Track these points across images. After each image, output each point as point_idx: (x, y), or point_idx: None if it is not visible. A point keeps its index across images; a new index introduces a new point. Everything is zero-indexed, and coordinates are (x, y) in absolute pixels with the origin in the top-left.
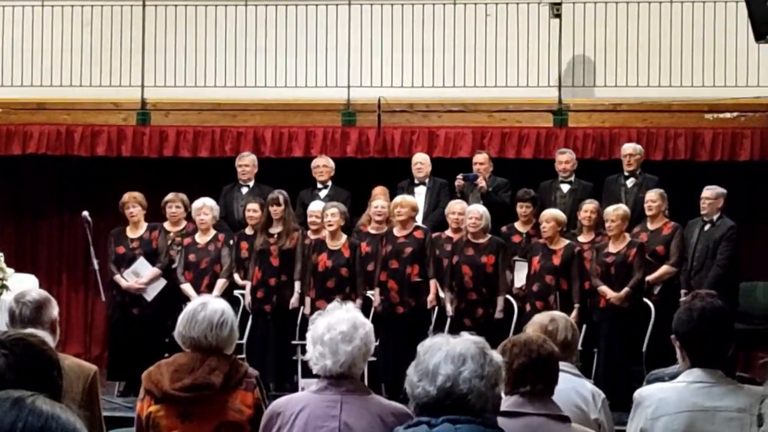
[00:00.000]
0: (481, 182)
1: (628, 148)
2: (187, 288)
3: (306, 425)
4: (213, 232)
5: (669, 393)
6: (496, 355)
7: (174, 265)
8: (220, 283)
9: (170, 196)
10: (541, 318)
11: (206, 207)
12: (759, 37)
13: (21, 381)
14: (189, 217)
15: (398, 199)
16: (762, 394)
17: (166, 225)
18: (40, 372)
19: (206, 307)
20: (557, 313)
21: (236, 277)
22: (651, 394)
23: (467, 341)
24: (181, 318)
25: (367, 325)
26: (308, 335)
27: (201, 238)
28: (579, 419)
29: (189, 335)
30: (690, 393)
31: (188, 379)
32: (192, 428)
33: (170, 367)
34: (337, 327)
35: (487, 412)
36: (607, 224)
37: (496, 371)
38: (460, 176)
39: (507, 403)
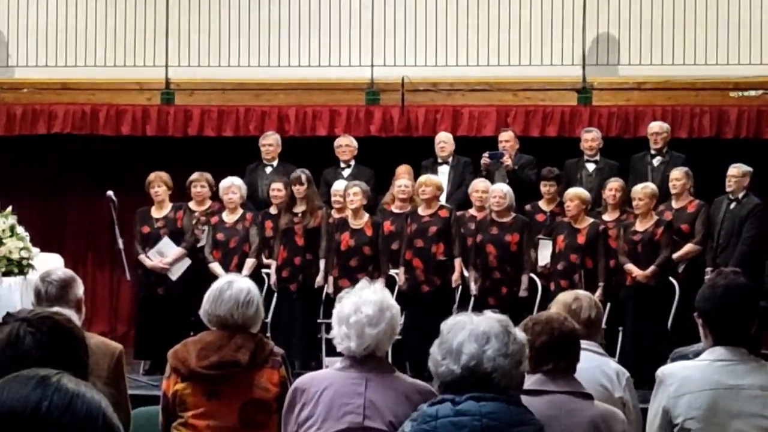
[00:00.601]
0: (507, 160)
1: (655, 126)
2: (215, 267)
3: (332, 402)
4: (241, 211)
5: (692, 371)
6: (519, 333)
7: (200, 245)
8: (249, 262)
9: (195, 175)
10: (565, 297)
11: (234, 186)
12: None
13: (47, 359)
14: (214, 197)
15: (423, 178)
16: None
17: (191, 204)
18: (67, 350)
19: (232, 286)
20: (581, 292)
21: (261, 256)
22: (674, 372)
23: (491, 320)
24: (207, 296)
25: (394, 307)
26: (334, 313)
27: (229, 217)
28: (603, 398)
29: (215, 313)
30: (713, 371)
31: (215, 357)
32: (218, 406)
33: (197, 345)
34: (364, 310)
35: (511, 390)
36: (634, 202)
37: (520, 349)
38: (486, 154)
39: (529, 381)
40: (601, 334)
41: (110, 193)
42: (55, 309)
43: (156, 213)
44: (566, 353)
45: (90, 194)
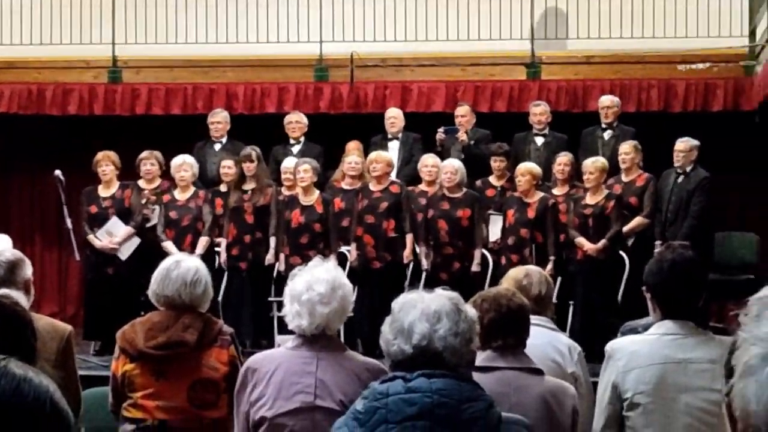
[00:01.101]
0: (462, 135)
1: (606, 100)
2: (168, 246)
3: (282, 382)
4: (192, 189)
5: (640, 345)
6: (470, 311)
7: (149, 224)
8: (203, 240)
9: (145, 153)
10: (515, 273)
11: (186, 164)
12: None
13: None
14: (163, 175)
15: (373, 154)
16: (731, 347)
17: (141, 183)
18: (13, 333)
19: (180, 266)
20: (532, 268)
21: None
22: (622, 347)
23: (441, 297)
24: (155, 276)
25: (347, 285)
26: (286, 290)
27: (181, 195)
28: (555, 373)
29: (163, 294)
30: (662, 345)
31: (162, 337)
32: (167, 386)
33: (144, 325)
34: (316, 288)
35: (462, 368)
36: (585, 176)
37: (470, 327)
38: (441, 129)
39: (479, 358)
40: (551, 309)
41: (58, 172)
42: (3, 291)
43: (103, 192)
44: (515, 329)
45: (37, 174)
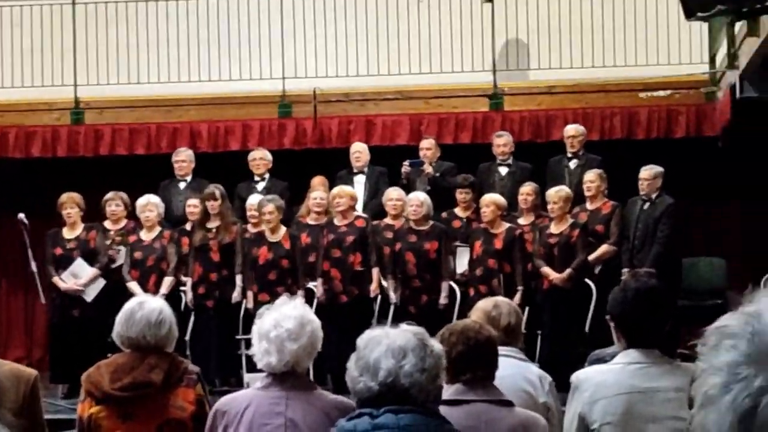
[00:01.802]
0: (428, 168)
1: (571, 129)
2: (133, 286)
3: (252, 423)
4: (158, 228)
5: (606, 375)
6: (436, 346)
7: (114, 265)
8: (167, 281)
9: (110, 194)
10: (484, 304)
11: (151, 204)
12: (689, 14)
13: None
14: (129, 215)
15: (336, 189)
16: (691, 377)
17: (106, 223)
18: None
19: (143, 306)
20: (500, 299)
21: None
22: (588, 377)
23: (407, 333)
24: (119, 318)
25: (315, 322)
26: (254, 329)
27: (146, 236)
28: (527, 404)
29: (127, 335)
30: (627, 374)
31: (128, 379)
32: (134, 428)
33: (109, 367)
34: (284, 324)
35: (429, 403)
36: (549, 206)
37: (437, 362)
38: (406, 162)
39: (449, 391)
40: (521, 340)
41: (21, 215)
42: None
43: (68, 234)
44: (483, 362)
45: (1, 217)
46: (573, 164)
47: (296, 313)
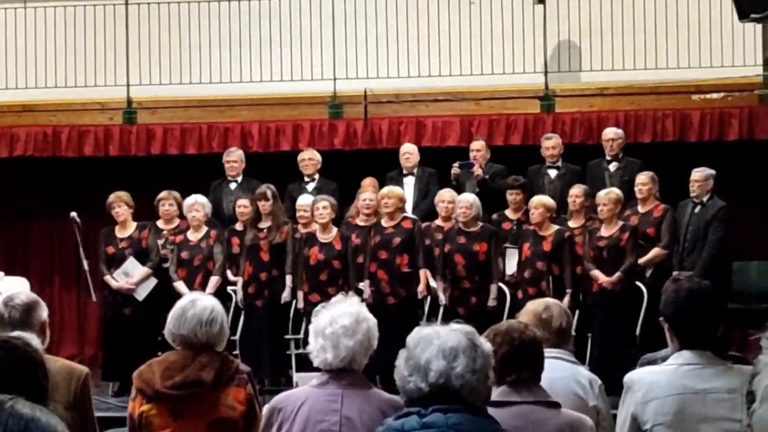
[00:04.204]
0: (477, 170)
1: (610, 132)
2: (179, 286)
3: (307, 420)
4: (205, 228)
5: (659, 376)
6: (486, 345)
7: (166, 264)
8: (213, 280)
9: (163, 193)
10: (534, 306)
11: (198, 203)
12: (743, 15)
13: (3, 383)
14: (183, 215)
15: (385, 190)
16: (752, 372)
17: (160, 223)
18: (24, 374)
19: (195, 305)
20: (551, 301)
21: (228, 273)
22: (641, 378)
23: (458, 333)
24: (171, 316)
25: (371, 320)
26: (311, 327)
27: (193, 235)
28: (578, 407)
29: (179, 333)
30: (680, 375)
31: (179, 377)
32: (184, 426)
33: (161, 365)
34: (340, 321)
35: (478, 403)
36: (599, 208)
37: (486, 362)
38: (456, 164)
39: (495, 393)
40: (571, 342)
41: (74, 214)
42: (15, 333)
43: (120, 233)
44: (528, 363)
45: (54, 216)
46: (613, 167)
47: (352, 310)
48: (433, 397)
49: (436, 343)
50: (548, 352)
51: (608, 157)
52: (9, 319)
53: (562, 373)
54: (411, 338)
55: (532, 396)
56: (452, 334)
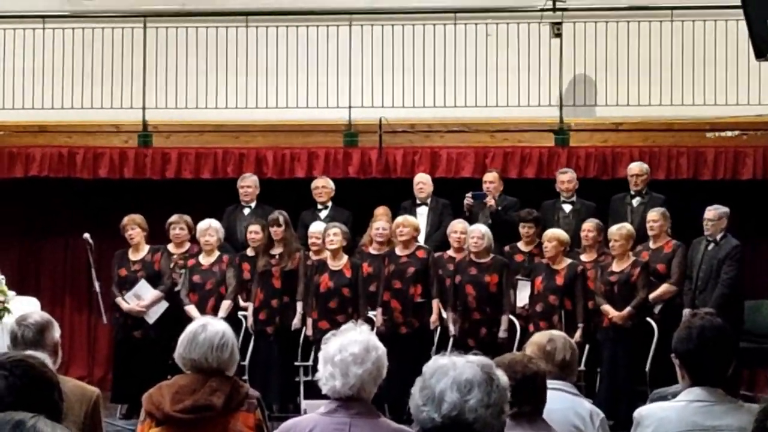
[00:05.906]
0: (490, 201)
1: (635, 167)
2: (191, 309)
3: None
4: (217, 253)
5: (669, 412)
6: (503, 379)
7: (177, 288)
8: (225, 304)
9: (174, 217)
10: (539, 338)
11: (212, 228)
12: (759, 55)
13: (20, 403)
14: (193, 239)
15: (400, 219)
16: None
17: (170, 247)
18: (40, 394)
19: (206, 329)
20: (556, 333)
21: (238, 298)
22: (651, 414)
23: (474, 366)
24: (182, 340)
25: (380, 348)
26: (320, 355)
27: (205, 260)
28: None
29: (189, 357)
30: (690, 412)
31: (189, 401)
32: None
33: (171, 388)
34: (349, 348)
35: None
36: (611, 243)
37: (501, 396)
38: (469, 195)
39: None
40: (575, 375)
41: (87, 235)
42: (30, 352)
43: (133, 255)
44: (530, 397)
45: (68, 237)
46: (636, 202)
47: (362, 338)
48: (445, 429)
49: (451, 374)
50: (550, 383)
51: (632, 192)
52: (22, 339)
53: (562, 404)
54: (427, 367)
55: (532, 429)
56: (468, 366)
